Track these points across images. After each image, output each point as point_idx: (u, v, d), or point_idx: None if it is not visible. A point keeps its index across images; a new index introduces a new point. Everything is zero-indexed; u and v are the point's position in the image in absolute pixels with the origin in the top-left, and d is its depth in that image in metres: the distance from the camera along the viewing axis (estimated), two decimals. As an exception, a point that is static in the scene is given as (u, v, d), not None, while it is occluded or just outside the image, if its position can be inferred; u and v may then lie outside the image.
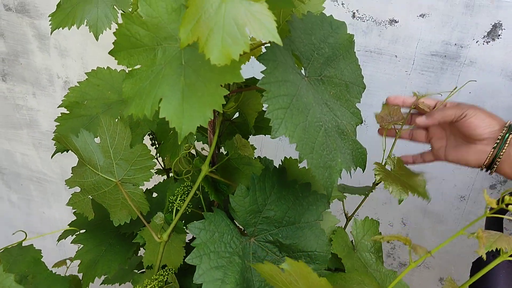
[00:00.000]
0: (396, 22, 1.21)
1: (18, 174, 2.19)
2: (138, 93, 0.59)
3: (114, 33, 0.61)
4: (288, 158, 0.90)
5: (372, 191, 0.95)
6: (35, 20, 1.65)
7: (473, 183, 1.39)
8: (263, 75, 0.64)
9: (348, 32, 0.79)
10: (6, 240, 2.34)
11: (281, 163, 0.95)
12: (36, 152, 2.07)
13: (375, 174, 0.82)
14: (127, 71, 0.63)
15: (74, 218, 1.06)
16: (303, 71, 0.74)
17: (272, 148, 1.56)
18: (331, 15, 0.78)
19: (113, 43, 0.62)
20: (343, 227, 0.92)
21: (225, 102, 0.57)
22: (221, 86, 0.57)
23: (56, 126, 0.96)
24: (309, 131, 0.68)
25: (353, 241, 0.91)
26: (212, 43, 0.49)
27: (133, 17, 0.60)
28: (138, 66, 0.61)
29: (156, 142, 1.12)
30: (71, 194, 0.89)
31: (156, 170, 1.16)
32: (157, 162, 1.16)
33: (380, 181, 0.80)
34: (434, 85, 1.26)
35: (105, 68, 1.07)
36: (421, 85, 1.28)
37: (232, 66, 0.54)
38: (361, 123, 0.83)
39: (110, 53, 0.62)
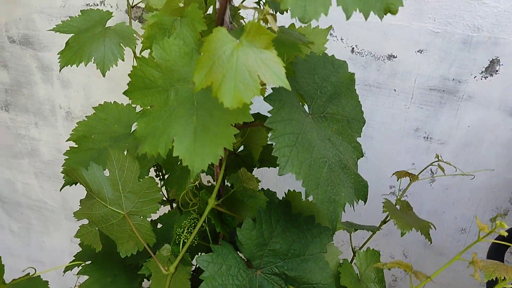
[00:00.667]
0: (395, 57, 1.25)
1: (19, 203, 2.20)
2: (152, 132, 0.62)
3: (129, 74, 0.64)
4: (291, 191, 0.92)
5: (379, 229, 0.97)
6: (39, 52, 1.69)
7: (473, 216, 1.41)
8: (270, 115, 0.67)
9: (349, 71, 0.82)
10: (6, 268, 2.32)
11: (284, 195, 0.97)
12: (37, 181, 2.08)
13: (383, 211, 0.85)
14: (137, 109, 0.66)
15: (74, 247, 1.07)
16: (306, 109, 0.77)
17: (272, 177, 1.58)
18: (333, 55, 0.81)
19: (127, 83, 0.65)
20: (348, 259, 0.93)
21: (235, 141, 0.59)
22: (231, 125, 0.60)
23: (64, 159, 0.98)
24: (314, 167, 0.70)
25: (358, 273, 0.92)
26: (225, 88, 0.52)
27: (147, 60, 0.63)
28: (151, 106, 0.64)
29: (160, 174, 1.14)
30: (79, 226, 0.90)
31: (160, 201, 1.18)
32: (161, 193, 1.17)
33: (389, 219, 0.83)
34: (433, 119, 1.29)
35: (112, 102, 1.09)
36: (420, 119, 1.31)
37: (243, 108, 0.57)
38: (362, 156, 0.86)
39: (125, 93, 0.65)
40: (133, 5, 1.38)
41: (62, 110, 1.80)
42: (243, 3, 0.75)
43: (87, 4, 1.52)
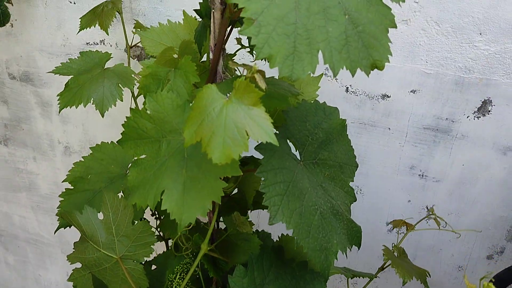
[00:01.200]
0: (388, 97, 1.27)
1: (15, 236, 2.19)
2: (142, 183, 0.62)
3: (122, 124, 0.65)
4: (285, 235, 0.92)
5: (376, 277, 0.97)
6: (39, 89, 1.72)
7: (470, 253, 1.40)
8: (261, 164, 0.68)
9: (340, 117, 0.83)
10: (-1, 303, 2.30)
11: (279, 238, 0.97)
12: (34, 215, 2.08)
13: (384, 259, 0.85)
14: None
15: (69, 282, 1.06)
16: (298, 156, 0.77)
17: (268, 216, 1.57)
18: (324, 102, 0.83)
19: (121, 133, 0.66)
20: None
21: (223, 194, 0.60)
22: (220, 178, 0.61)
23: (60, 201, 0.99)
24: (305, 215, 0.70)
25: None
26: (214, 144, 0.53)
27: (141, 112, 0.64)
28: (143, 156, 0.65)
29: (156, 213, 1.15)
30: (72, 270, 0.90)
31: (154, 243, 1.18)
32: (157, 231, 1.17)
33: (387, 266, 0.83)
34: (428, 157, 1.30)
35: (109, 142, 1.10)
36: (415, 157, 1.32)
37: (232, 162, 0.58)
38: (355, 201, 0.86)
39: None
40: (132, 45, 1.41)
41: (60, 145, 1.82)
42: (233, 58, 0.77)
43: (87, 43, 1.55)
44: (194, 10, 0.75)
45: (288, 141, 0.76)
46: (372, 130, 1.33)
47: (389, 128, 1.31)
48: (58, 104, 1.09)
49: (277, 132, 0.74)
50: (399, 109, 1.28)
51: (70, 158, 1.83)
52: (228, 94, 0.57)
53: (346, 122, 0.86)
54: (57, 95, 1.11)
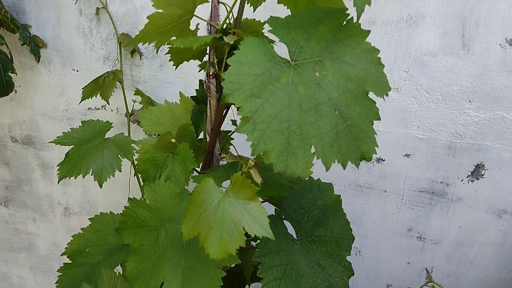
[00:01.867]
0: (383, 160, 1.29)
1: (12, 297, 2.16)
2: (142, 274, 0.63)
3: (121, 214, 0.67)
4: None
5: None
6: (40, 151, 1.74)
7: (471, 315, 1.39)
8: (258, 247, 0.69)
9: (334, 193, 0.85)
10: None
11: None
12: (32, 275, 2.06)
13: None
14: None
15: None
16: (294, 235, 0.79)
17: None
18: (319, 178, 0.85)
19: (119, 222, 0.67)
20: None
21: (222, 284, 0.61)
22: (219, 267, 0.62)
23: (58, 276, 0.99)
24: (303, 298, 0.71)
25: None
26: (211, 239, 0.54)
27: (139, 201, 0.66)
28: (142, 245, 0.66)
29: None
30: None
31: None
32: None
33: None
34: (425, 220, 1.31)
35: (108, 213, 1.11)
36: (412, 219, 1.33)
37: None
38: (353, 275, 0.87)
39: (116, 231, 0.67)
40: (132, 112, 1.45)
41: (60, 206, 1.83)
42: (230, 148, 0.80)
43: (89, 108, 1.59)
44: (191, 97, 0.78)
45: (284, 220, 0.78)
46: (369, 192, 1.35)
47: (385, 191, 1.33)
48: (57, 174, 1.10)
49: (274, 214, 0.75)
50: (394, 172, 1.30)
51: (69, 219, 1.83)
52: (222, 189, 0.59)
53: (343, 185, 0.88)
54: (57, 165, 1.13)
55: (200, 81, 0.80)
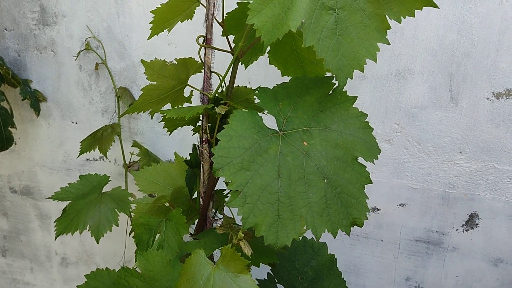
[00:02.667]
0: (379, 210, 1.30)
1: None
2: None
3: (113, 283, 0.67)
4: None
5: None
6: (38, 202, 1.75)
7: None
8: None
9: (329, 253, 0.86)
10: None
11: None
12: (28, 327, 2.03)
13: None
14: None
15: None
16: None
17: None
18: (312, 238, 0.86)
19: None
20: None
21: None
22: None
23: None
24: None
25: None
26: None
27: (131, 271, 0.67)
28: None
29: None
30: None
31: None
32: None
33: None
34: (422, 269, 1.31)
35: (104, 269, 1.11)
36: (409, 268, 1.32)
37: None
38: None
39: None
40: (129, 163, 1.47)
41: (57, 256, 1.82)
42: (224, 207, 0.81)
43: (87, 159, 1.61)
44: (185, 161, 0.80)
45: (277, 284, 0.78)
46: (366, 241, 1.35)
47: (382, 240, 1.33)
48: (55, 230, 1.11)
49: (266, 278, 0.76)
50: (390, 222, 1.31)
51: (66, 269, 1.82)
52: (214, 261, 0.60)
53: (340, 234, 0.88)
54: (55, 221, 1.14)
55: (194, 145, 0.82)
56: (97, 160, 1.61)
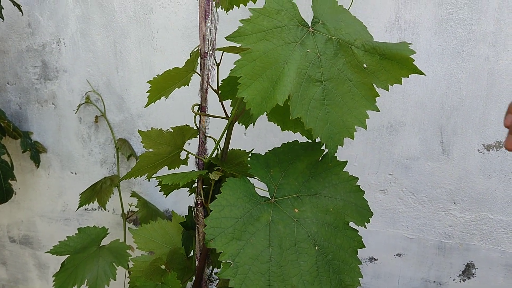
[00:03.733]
0: (376, 260, 1.31)
1: None
2: None
3: None
4: None
5: None
6: (37, 251, 1.76)
7: None
8: None
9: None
10: None
11: None
12: None
13: None
14: None
15: None
16: None
17: None
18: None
19: None
20: None
21: None
22: None
23: None
24: None
25: None
26: None
27: None
28: None
29: None
30: None
31: None
32: None
33: None
34: (420, 320, 1.30)
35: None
36: (407, 319, 1.32)
37: None
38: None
39: None
40: (128, 214, 1.48)
41: (55, 306, 1.81)
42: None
43: (85, 209, 1.63)
44: (181, 223, 0.82)
45: None
46: (363, 291, 1.35)
47: (379, 290, 1.33)
48: (53, 286, 1.11)
49: None
50: (387, 272, 1.31)
51: (64, 320, 1.80)
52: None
53: None
54: (53, 276, 1.14)
55: (189, 207, 0.84)
56: (95, 209, 1.63)
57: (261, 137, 1.32)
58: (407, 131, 1.20)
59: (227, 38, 0.67)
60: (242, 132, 1.33)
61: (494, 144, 1.14)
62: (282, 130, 0.93)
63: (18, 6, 1.38)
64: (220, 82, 0.86)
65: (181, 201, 1.49)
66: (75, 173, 1.60)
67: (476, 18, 1.09)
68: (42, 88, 1.54)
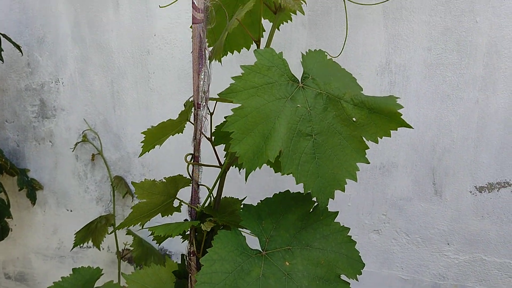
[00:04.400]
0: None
1: None
2: None
3: None
4: None
5: None
6: (33, 289, 1.75)
7: None
8: None
9: None
10: None
11: None
12: None
13: None
14: None
15: None
16: None
17: None
18: None
19: None
20: None
21: None
22: None
23: None
24: None
25: None
26: None
27: None
28: None
29: None
30: None
31: None
32: None
33: None
34: None
35: None
36: None
37: None
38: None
39: None
40: (123, 253, 1.48)
41: None
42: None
43: (80, 247, 1.62)
44: (173, 272, 0.82)
45: None
46: (359, 332, 1.33)
47: None
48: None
49: None
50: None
51: None
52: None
53: None
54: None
55: (182, 255, 0.85)
56: (90, 247, 1.62)
57: (256, 175, 1.33)
58: (400, 171, 1.21)
59: (220, 95, 0.69)
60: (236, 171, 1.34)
61: (486, 186, 1.16)
62: (275, 172, 0.94)
63: (18, 47, 1.41)
64: (214, 127, 0.88)
65: (176, 239, 1.48)
66: (71, 210, 1.61)
67: (465, 62, 1.11)
68: (39, 126, 1.56)
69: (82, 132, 1.51)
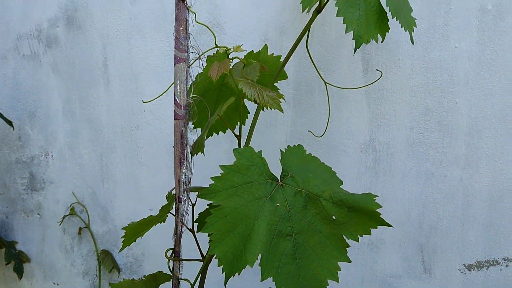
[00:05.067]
0: None
1: None
2: None
3: None
4: None
5: None
6: None
7: None
8: None
9: None
10: None
11: None
12: None
13: None
14: None
15: None
16: None
17: None
18: None
19: None
20: None
21: None
22: None
23: None
24: None
25: None
26: None
27: None
28: None
29: None
30: None
31: None
32: None
33: None
34: None
35: None
36: None
37: None
38: None
39: None
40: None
41: None
42: None
43: (66, 321, 1.58)
44: None
45: None
46: None
47: None
48: None
49: None
50: None
51: None
52: None
53: None
54: None
55: None
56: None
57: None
58: (388, 248, 1.20)
59: (199, 196, 0.69)
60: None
61: (475, 264, 1.15)
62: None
63: (10, 123, 1.43)
64: (197, 215, 0.88)
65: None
66: (57, 284, 1.57)
67: (447, 141, 1.13)
68: (28, 198, 1.55)
69: (70, 205, 1.50)
